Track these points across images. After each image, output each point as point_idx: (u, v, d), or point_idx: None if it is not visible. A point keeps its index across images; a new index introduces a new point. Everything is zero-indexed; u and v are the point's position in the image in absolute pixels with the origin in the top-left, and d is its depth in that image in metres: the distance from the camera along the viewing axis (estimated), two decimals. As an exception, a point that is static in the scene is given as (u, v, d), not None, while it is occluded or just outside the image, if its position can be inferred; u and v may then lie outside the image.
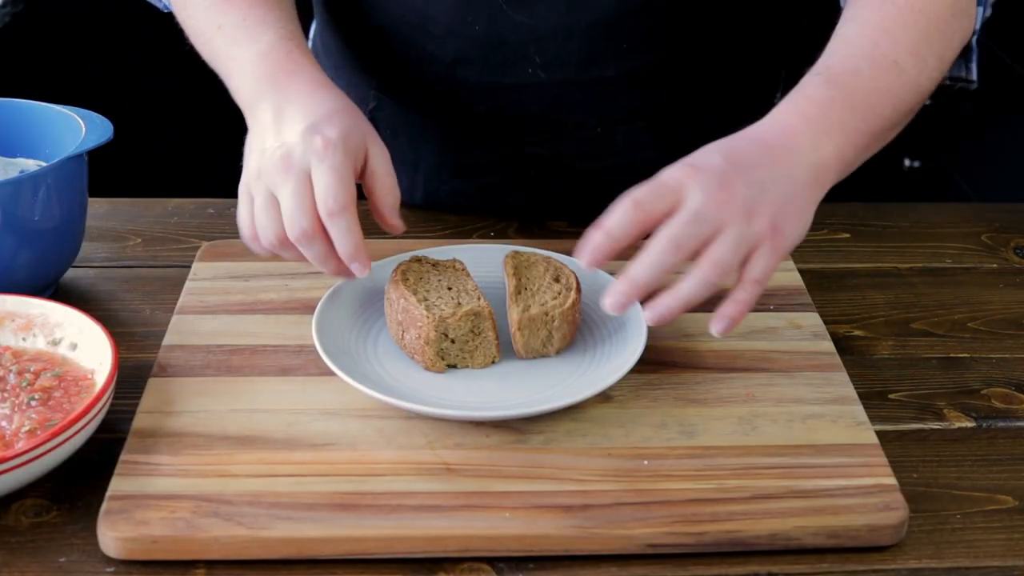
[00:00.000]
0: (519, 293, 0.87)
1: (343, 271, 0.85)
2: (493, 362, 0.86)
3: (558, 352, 0.87)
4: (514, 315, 0.85)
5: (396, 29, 1.09)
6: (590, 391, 0.81)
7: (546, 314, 0.85)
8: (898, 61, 0.89)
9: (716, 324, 0.80)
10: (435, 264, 0.91)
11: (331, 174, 0.82)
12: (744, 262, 0.79)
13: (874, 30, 0.90)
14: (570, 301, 0.86)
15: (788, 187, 0.81)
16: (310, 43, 1.27)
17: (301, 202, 0.82)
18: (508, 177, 1.14)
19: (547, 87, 1.07)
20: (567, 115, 1.09)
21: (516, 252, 0.92)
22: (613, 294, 0.79)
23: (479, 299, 0.86)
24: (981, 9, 0.99)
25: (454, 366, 0.86)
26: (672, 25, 1.06)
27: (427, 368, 0.85)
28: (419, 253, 0.92)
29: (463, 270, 0.90)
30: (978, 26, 0.99)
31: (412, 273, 0.89)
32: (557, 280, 0.89)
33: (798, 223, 0.81)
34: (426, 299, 0.86)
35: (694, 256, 0.78)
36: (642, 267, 0.78)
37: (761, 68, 1.16)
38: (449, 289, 0.87)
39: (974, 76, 0.97)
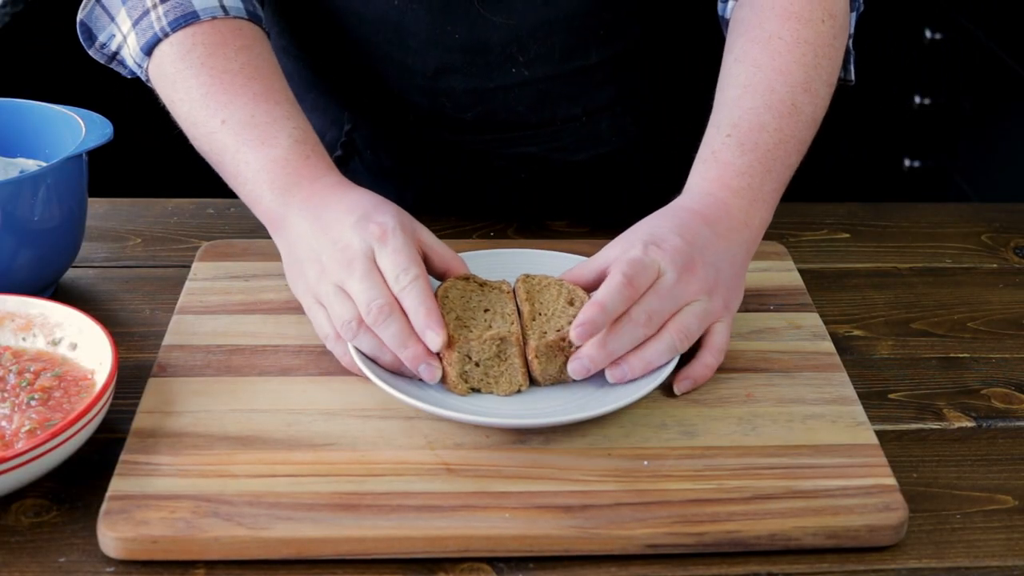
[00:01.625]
0: (534, 319, 0.86)
1: (420, 354, 0.81)
2: (519, 390, 0.84)
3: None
4: (531, 342, 0.83)
5: (371, 47, 1.07)
6: (620, 402, 0.80)
7: (563, 339, 0.83)
8: (796, 103, 0.92)
9: (682, 384, 0.85)
10: (482, 284, 0.89)
11: (400, 253, 0.82)
12: (704, 333, 0.85)
13: (769, 73, 0.92)
14: None
15: (733, 265, 0.87)
16: None
17: (373, 282, 0.82)
18: (501, 181, 1.14)
19: (532, 84, 1.07)
20: (554, 109, 1.09)
21: (527, 276, 0.89)
22: (583, 359, 0.81)
23: (511, 324, 0.84)
24: (854, 15, 1.00)
25: (477, 390, 0.84)
26: (647, 9, 1.07)
27: (449, 390, 0.83)
28: (470, 272, 0.90)
29: (508, 292, 0.88)
30: (852, 29, 1.00)
31: (455, 291, 0.87)
32: (571, 303, 0.87)
33: (740, 295, 0.89)
34: (459, 318, 0.85)
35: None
36: (618, 339, 0.81)
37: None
38: (486, 311, 0.86)
39: (852, 76, 1.01)
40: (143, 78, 1.00)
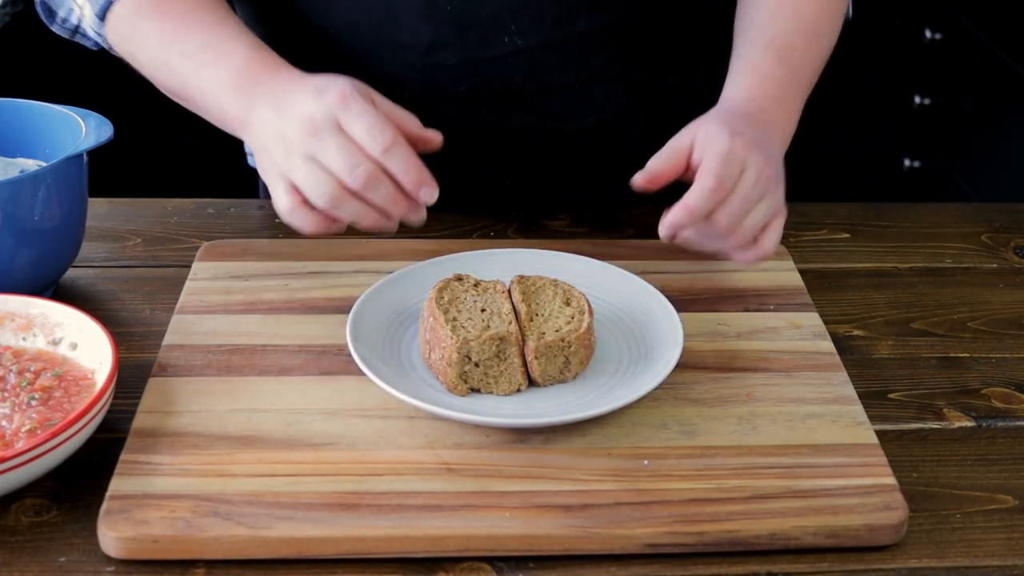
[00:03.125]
0: (531, 320, 0.86)
1: (411, 208, 0.85)
2: (519, 390, 0.84)
3: (575, 377, 0.86)
4: (530, 343, 0.83)
5: (361, 28, 1.08)
6: (620, 402, 0.80)
7: (562, 340, 0.83)
8: (819, 29, 1.03)
9: (747, 256, 0.93)
10: (477, 284, 0.89)
11: (365, 115, 0.83)
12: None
13: (796, 1, 1.02)
14: (585, 325, 0.85)
15: (779, 162, 0.95)
16: None
17: (351, 149, 0.83)
18: (499, 155, 1.15)
19: (524, 53, 1.08)
20: (547, 77, 1.11)
21: (522, 277, 0.89)
22: (672, 223, 0.89)
23: (509, 324, 0.84)
24: None
25: (477, 390, 0.84)
26: None
27: (449, 390, 0.83)
28: (463, 271, 0.91)
29: (504, 292, 0.88)
30: None
31: (449, 292, 0.87)
32: (568, 304, 0.87)
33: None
34: (455, 319, 0.84)
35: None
36: (727, 217, 0.89)
37: (721, 16, 1.16)
38: (483, 311, 0.86)
39: (850, 13, 1.12)
40: (105, 47, 1.04)
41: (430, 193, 0.84)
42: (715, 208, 0.89)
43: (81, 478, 0.78)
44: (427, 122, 1.10)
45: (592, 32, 1.09)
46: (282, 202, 0.87)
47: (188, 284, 0.97)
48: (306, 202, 0.86)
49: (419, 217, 0.87)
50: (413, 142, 0.88)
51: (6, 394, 0.80)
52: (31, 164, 1.01)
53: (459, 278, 0.89)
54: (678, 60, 1.13)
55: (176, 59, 0.95)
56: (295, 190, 0.86)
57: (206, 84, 0.93)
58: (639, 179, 0.92)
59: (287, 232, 1.09)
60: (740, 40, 1.03)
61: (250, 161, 1.24)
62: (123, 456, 0.78)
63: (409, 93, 1.09)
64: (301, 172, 0.85)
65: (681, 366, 0.86)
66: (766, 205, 0.91)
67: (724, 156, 0.88)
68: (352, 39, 1.09)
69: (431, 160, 1.12)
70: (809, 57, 1.01)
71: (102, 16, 1.00)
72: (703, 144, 0.90)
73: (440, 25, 1.06)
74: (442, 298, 0.86)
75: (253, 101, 0.90)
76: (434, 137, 0.91)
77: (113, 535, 0.72)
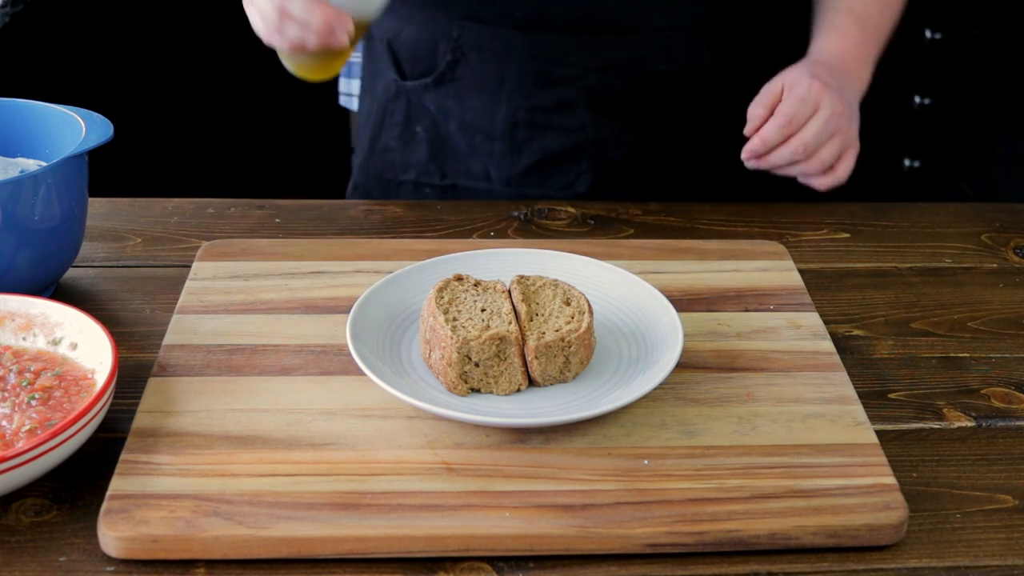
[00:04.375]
0: (531, 320, 0.86)
1: (329, 20, 0.96)
2: (519, 390, 0.84)
3: (575, 377, 0.86)
4: (531, 343, 0.83)
5: None
6: (620, 402, 0.80)
7: (562, 339, 0.83)
8: (889, 1, 1.21)
9: (824, 182, 1.11)
10: (477, 284, 0.89)
11: None
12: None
13: None
14: (584, 325, 0.85)
15: (854, 104, 1.12)
16: None
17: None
18: (585, 88, 1.23)
19: None
20: (644, 19, 1.22)
21: (522, 277, 0.90)
22: (749, 149, 1.09)
23: (509, 324, 0.84)
24: None
25: (477, 390, 0.84)
26: None
27: (449, 390, 0.83)
28: (463, 272, 0.91)
29: (504, 292, 0.88)
30: None
31: (449, 292, 0.87)
32: (568, 303, 0.87)
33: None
34: (455, 319, 0.84)
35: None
36: (779, 156, 1.07)
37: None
38: (483, 311, 0.86)
39: None
40: None
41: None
42: (787, 138, 1.06)
43: (81, 478, 0.78)
44: (532, 45, 1.22)
45: None
46: (257, 26, 1.00)
47: (188, 284, 0.97)
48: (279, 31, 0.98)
49: (341, 38, 0.97)
50: None
51: (6, 394, 0.80)
52: (31, 164, 1.01)
53: (459, 278, 0.89)
54: (752, 24, 1.32)
55: None
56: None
57: None
58: (748, 131, 1.09)
59: (287, 232, 1.09)
60: (823, 7, 1.20)
61: None
62: (123, 456, 0.78)
63: (521, 13, 1.20)
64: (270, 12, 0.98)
65: (681, 366, 0.86)
66: (839, 140, 1.08)
67: (800, 97, 1.07)
68: None
69: (532, 73, 1.23)
70: (881, 24, 1.20)
71: None
72: (788, 86, 1.09)
73: None
74: (442, 298, 0.86)
75: None
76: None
77: (113, 535, 0.72)
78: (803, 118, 1.07)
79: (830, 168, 1.10)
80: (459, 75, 1.24)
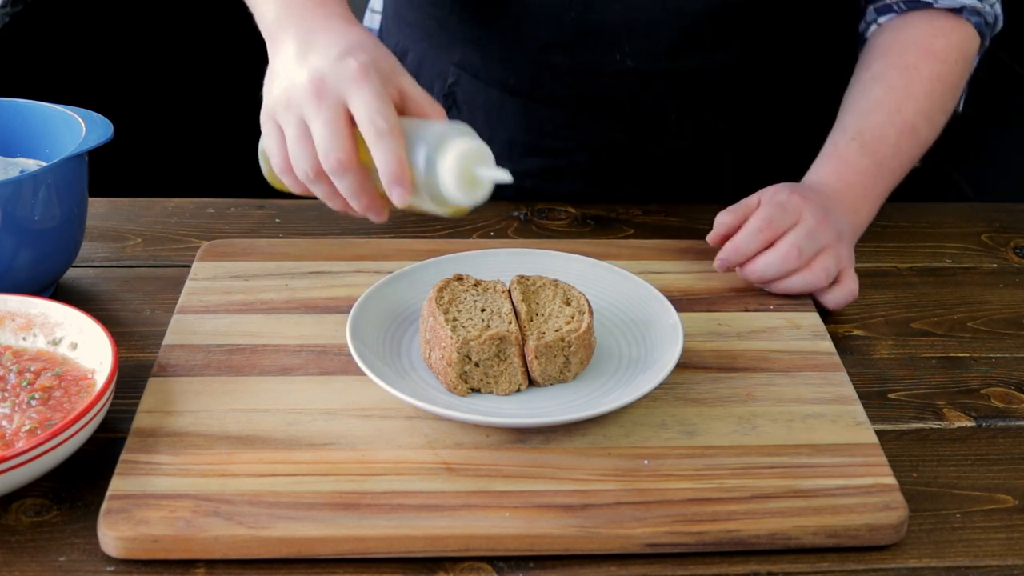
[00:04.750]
0: (531, 320, 0.86)
1: (373, 207, 0.84)
2: (519, 390, 0.84)
3: (575, 377, 0.86)
4: (531, 343, 0.83)
5: (488, 8, 1.11)
6: (620, 402, 0.80)
7: (562, 339, 0.83)
8: (916, 126, 1.06)
9: (833, 301, 0.97)
10: (477, 284, 0.89)
11: (373, 96, 0.81)
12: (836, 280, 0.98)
13: (900, 96, 1.06)
14: (585, 325, 0.85)
15: (842, 232, 0.98)
16: (376, 16, 1.30)
17: (336, 131, 0.81)
18: (579, 160, 1.18)
19: (632, 75, 1.11)
20: (647, 102, 1.14)
21: (522, 277, 0.89)
22: (720, 258, 0.97)
23: (510, 323, 0.84)
24: (979, 56, 1.12)
25: (477, 390, 0.84)
26: (756, 22, 1.11)
27: (449, 390, 0.83)
28: (463, 272, 0.91)
29: (504, 292, 0.88)
30: (974, 68, 1.13)
31: (449, 292, 0.87)
32: (568, 303, 0.87)
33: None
34: (456, 319, 0.84)
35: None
36: (767, 266, 0.95)
37: (821, 71, 1.20)
38: (483, 311, 0.86)
39: (960, 108, 1.15)
40: None
41: (400, 195, 0.81)
42: (762, 248, 0.95)
43: (81, 478, 0.78)
44: (525, 113, 1.16)
45: (701, 70, 1.12)
46: (273, 152, 0.85)
47: (188, 284, 0.97)
48: (291, 168, 0.85)
49: (380, 218, 0.86)
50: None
51: (6, 394, 0.80)
52: (31, 164, 1.01)
53: (459, 278, 0.89)
54: (774, 103, 1.17)
55: None
56: (283, 147, 0.84)
57: None
58: (711, 239, 0.99)
59: (287, 232, 1.09)
60: (837, 121, 1.08)
61: None
62: (123, 456, 0.78)
63: (515, 80, 1.15)
64: (292, 131, 0.83)
65: (681, 366, 0.86)
66: (832, 254, 0.96)
67: (780, 203, 0.96)
68: (480, 16, 1.13)
69: (523, 139, 1.15)
70: (899, 151, 1.05)
71: None
72: (766, 196, 0.98)
73: (560, 28, 1.09)
74: (442, 298, 0.86)
75: (287, 23, 0.87)
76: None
77: (113, 535, 0.72)
78: (783, 225, 0.95)
79: (835, 282, 0.97)
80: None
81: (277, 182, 0.91)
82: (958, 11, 1.09)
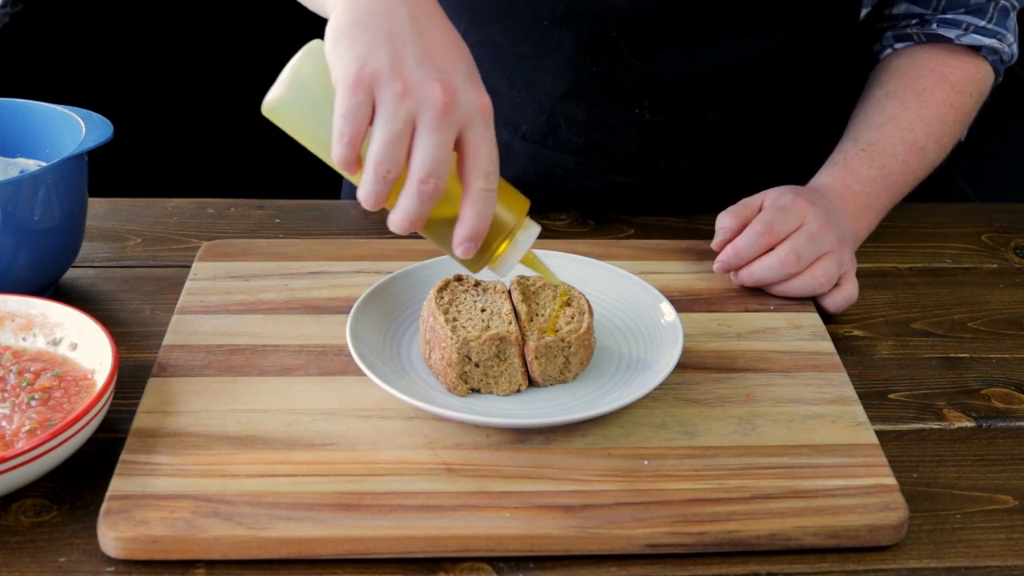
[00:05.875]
0: (531, 320, 0.86)
1: (412, 227, 0.75)
2: (519, 390, 0.84)
3: (575, 377, 0.86)
4: (531, 343, 0.83)
5: (508, 56, 1.11)
6: (620, 402, 0.80)
7: (562, 340, 0.84)
8: (925, 148, 1.08)
9: (835, 304, 0.97)
10: (477, 284, 0.89)
11: (492, 146, 0.74)
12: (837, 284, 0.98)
13: (913, 116, 1.08)
14: (585, 325, 0.85)
15: (844, 236, 0.98)
16: None
17: (446, 160, 0.73)
18: (586, 197, 1.17)
19: (648, 126, 1.12)
20: (660, 152, 1.15)
21: (522, 277, 0.89)
22: (724, 263, 0.97)
23: (510, 324, 0.84)
24: (992, 86, 1.14)
25: (477, 391, 0.84)
26: (773, 77, 1.12)
27: (449, 391, 0.83)
28: (463, 272, 0.90)
29: (504, 292, 0.88)
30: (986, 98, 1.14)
31: (449, 292, 0.87)
32: (568, 304, 0.87)
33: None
34: (455, 320, 0.84)
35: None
36: (767, 271, 0.95)
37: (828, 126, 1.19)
38: (483, 311, 0.86)
39: (964, 136, 1.16)
40: None
41: (470, 248, 0.76)
42: (763, 251, 0.95)
43: (81, 478, 0.78)
44: (536, 157, 1.16)
45: (718, 124, 1.13)
46: (346, 124, 0.72)
47: (188, 284, 0.97)
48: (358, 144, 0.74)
49: (402, 233, 0.75)
50: None
51: (6, 394, 0.80)
52: (31, 164, 1.01)
53: (459, 278, 0.89)
54: (776, 116, 1.17)
55: None
56: (363, 124, 0.73)
57: None
58: (715, 245, 0.98)
59: (287, 232, 1.09)
60: (846, 132, 1.10)
61: None
62: (123, 456, 0.78)
63: (528, 127, 1.15)
64: (396, 125, 0.72)
65: (681, 366, 0.86)
66: (835, 259, 0.96)
67: (782, 207, 0.96)
68: (502, 58, 1.12)
69: (531, 182, 1.13)
70: (906, 168, 1.07)
71: None
72: (770, 199, 0.98)
73: (581, 79, 1.10)
74: (442, 298, 0.86)
75: None
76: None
77: (113, 535, 0.72)
78: (785, 229, 0.95)
79: (836, 285, 0.98)
80: None
81: (278, 112, 0.79)
82: (977, 48, 1.11)
